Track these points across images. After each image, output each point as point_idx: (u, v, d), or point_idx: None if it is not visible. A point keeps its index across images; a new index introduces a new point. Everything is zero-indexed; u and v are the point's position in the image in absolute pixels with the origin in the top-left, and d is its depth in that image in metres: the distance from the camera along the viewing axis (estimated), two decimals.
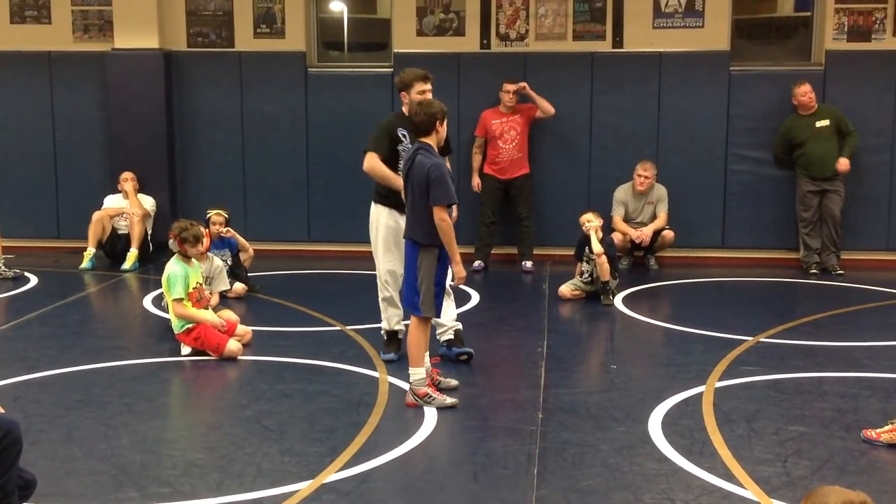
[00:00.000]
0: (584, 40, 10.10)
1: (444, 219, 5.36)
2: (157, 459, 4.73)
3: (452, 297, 6.30)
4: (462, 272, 5.58)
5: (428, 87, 6.07)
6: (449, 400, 5.46)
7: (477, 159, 9.79)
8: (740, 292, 9.01)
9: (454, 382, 5.78)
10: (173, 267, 6.69)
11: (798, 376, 6.08)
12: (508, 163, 9.67)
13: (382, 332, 6.49)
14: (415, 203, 5.45)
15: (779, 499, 4.22)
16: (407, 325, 5.89)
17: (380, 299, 6.41)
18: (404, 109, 6.13)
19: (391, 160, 6.10)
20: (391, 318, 6.40)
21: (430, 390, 5.46)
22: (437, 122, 5.46)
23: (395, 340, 6.42)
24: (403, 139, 6.10)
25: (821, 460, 4.71)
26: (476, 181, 9.75)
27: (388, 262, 6.26)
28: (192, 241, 6.79)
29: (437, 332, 6.34)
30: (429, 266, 5.43)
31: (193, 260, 6.86)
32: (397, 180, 5.85)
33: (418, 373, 5.45)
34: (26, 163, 10.58)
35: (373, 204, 6.34)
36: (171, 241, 6.87)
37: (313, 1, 10.50)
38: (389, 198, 6.14)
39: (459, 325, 6.41)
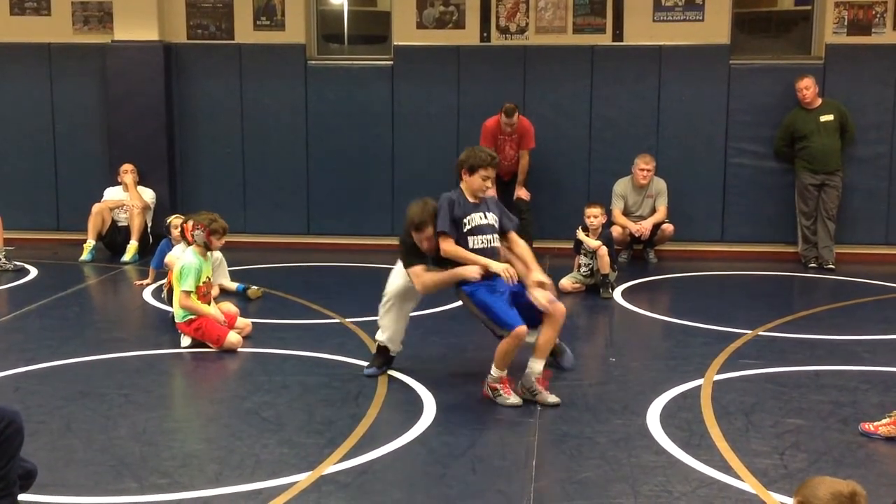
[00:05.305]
0: (584, 33, 10.10)
1: (443, 247, 5.51)
2: (156, 451, 4.74)
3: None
4: (472, 273, 5.44)
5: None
6: (511, 399, 5.40)
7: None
8: (739, 286, 9.02)
9: (553, 399, 5.44)
10: (189, 258, 6.64)
11: (796, 369, 6.09)
12: (507, 169, 9.71)
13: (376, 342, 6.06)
14: None
15: (776, 491, 4.23)
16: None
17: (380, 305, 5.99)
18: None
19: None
20: (385, 328, 5.95)
21: (500, 387, 5.44)
22: (463, 170, 5.62)
23: (382, 354, 5.97)
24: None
25: (818, 453, 4.72)
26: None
27: (391, 314, 5.89)
28: (220, 232, 6.75)
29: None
30: (467, 305, 5.58)
31: (208, 254, 6.83)
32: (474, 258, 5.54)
33: (495, 372, 5.45)
34: (26, 155, 10.58)
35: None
36: (197, 233, 6.70)
37: None
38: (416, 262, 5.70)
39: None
